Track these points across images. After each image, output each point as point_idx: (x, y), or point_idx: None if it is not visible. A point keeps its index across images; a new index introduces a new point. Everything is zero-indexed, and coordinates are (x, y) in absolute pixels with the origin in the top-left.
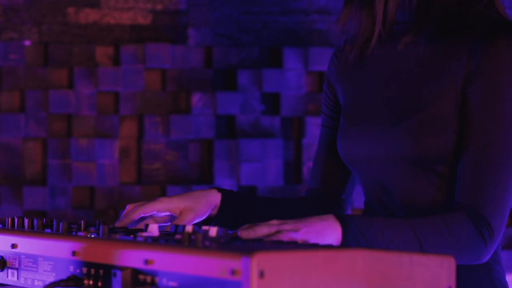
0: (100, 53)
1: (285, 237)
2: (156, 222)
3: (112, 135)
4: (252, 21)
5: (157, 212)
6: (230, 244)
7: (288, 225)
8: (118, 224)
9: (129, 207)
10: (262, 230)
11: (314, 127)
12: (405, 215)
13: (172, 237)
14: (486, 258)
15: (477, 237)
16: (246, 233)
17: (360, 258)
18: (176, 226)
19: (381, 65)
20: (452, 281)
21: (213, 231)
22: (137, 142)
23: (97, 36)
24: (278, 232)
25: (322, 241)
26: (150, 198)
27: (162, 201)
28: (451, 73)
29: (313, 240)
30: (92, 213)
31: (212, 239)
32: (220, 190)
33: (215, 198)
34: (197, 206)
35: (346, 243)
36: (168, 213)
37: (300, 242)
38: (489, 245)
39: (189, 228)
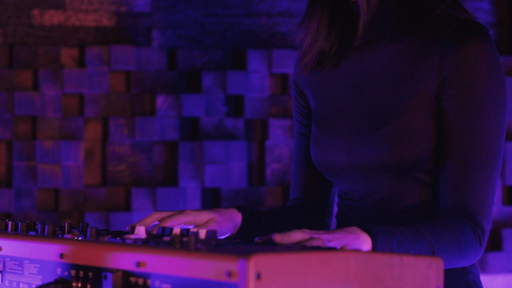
0: (65, 55)
1: (316, 244)
2: None
3: (77, 137)
4: (216, 23)
5: (184, 224)
6: (223, 247)
7: (318, 235)
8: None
9: (153, 214)
10: (296, 236)
11: (277, 129)
12: (382, 220)
13: (161, 239)
14: (478, 258)
15: (476, 240)
16: (281, 238)
17: (352, 259)
18: (163, 228)
19: (351, 71)
20: (440, 282)
21: (202, 233)
22: (101, 144)
23: (62, 38)
24: (311, 239)
25: None
26: (114, 200)
27: (189, 213)
28: (424, 80)
29: None
30: (57, 215)
31: (203, 241)
32: (240, 210)
33: (237, 219)
34: (221, 219)
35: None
36: (192, 226)
37: None
38: (483, 246)
39: (177, 231)
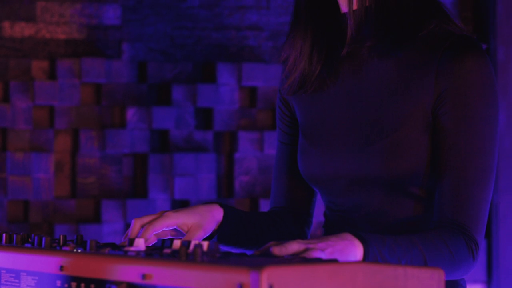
0: (36, 67)
1: (312, 255)
2: (158, 236)
3: (47, 149)
4: (186, 36)
5: (167, 227)
6: (229, 259)
7: (313, 245)
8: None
9: (135, 223)
10: (293, 247)
11: (246, 142)
12: (374, 232)
13: (162, 251)
14: (470, 272)
15: (468, 253)
16: (279, 250)
17: (360, 271)
18: (163, 240)
19: (342, 83)
20: None
21: (204, 245)
22: (71, 156)
23: (32, 50)
24: (306, 249)
25: (346, 259)
26: (84, 212)
27: (170, 216)
28: (420, 94)
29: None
30: (27, 227)
31: (208, 254)
32: (221, 205)
33: (219, 214)
34: (204, 223)
35: (367, 260)
36: (172, 228)
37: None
38: (476, 260)
39: (177, 243)
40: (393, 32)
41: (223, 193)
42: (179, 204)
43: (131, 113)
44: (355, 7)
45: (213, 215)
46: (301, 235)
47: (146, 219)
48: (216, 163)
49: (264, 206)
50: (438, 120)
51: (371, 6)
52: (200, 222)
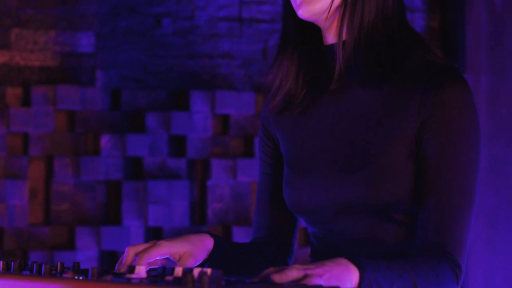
0: (10, 94)
1: (312, 281)
2: (149, 264)
3: (22, 176)
4: (159, 64)
5: (160, 256)
6: (236, 286)
7: (311, 271)
8: (122, 269)
9: (129, 251)
10: (293, 274)
11: (219, 169)
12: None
13: (163, 279)
14: None
15: (453, 278)
16: (279, 277)
17: None
18: (164, 267)
19: (326, 111)
20: None
21: (208, 272)
22: (45, 183)
23: (6, 77)
24: (305, 276)
25: (343, 284)
26: (58, 239)
27: (163, 245)
28: (404, 123)
29: (334, 284)
30: (1, 254)
31: (213, 281)
32: (212, 235)
33: (209, 243)
34: (196, 251)
35: (363, 285)
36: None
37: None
38: (459, 284)
39: (179, 270)
40: (381, 64)
41: (196, 220)
42: (153, 231)
43: (105, 140)
44: (344, 37)
45: (204, 244)
46: (284, 265)
47: (140, 247)
48: (189, 190)
49: (237, 233)
50: (422, 147)
51: (360, 40)
52: (192, 250)
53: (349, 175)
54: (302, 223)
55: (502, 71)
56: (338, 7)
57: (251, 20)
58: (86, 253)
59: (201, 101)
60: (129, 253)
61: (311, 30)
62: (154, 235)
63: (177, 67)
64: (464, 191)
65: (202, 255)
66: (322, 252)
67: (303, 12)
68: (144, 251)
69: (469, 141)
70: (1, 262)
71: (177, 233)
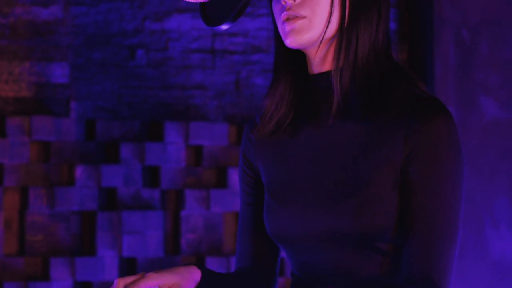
0: None
1: None
2: None
3: None
4: (133, 95)
5: None
6: None
7: None
8: None
9: (119, 283)
10: None
11: (192, 200)
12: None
13: None
14: None
15: None
16: None
17: None
18: None
19: (310, 140)
20: None
21: None
22: (20, 213)
23: None
24: None
25: None
26: (32, 270)
27: (152, 277)
28: (389, 154)
29: None
30: None
31: None
32: (199, 267)
33: (197, 274)
34: (184, 283)
35: None
36: None
37: None
38: None
39: None
40: (371, 97)
41: (170, 251)
42: (127, 262)
43: (79, 171)
44: (341, 63)
45: (192, 276)
46: None
47: (129, 279)
48: (163, 221)
49: (210, 263)
50: (408, 178)
51: (355, 73)
52: (180, 282)
53: (333, 205)
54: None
55: (470, 102)
56: (331, 38)
57: (223, 52)
58: (61, 284)
59: (175, 132)
60: (119, 285)
61: (301, 57)
62: (129, 265)
63: (150, 98)
64: (449, 222)
65: (190, 287)
66: (305, 283)
67: (291, 42)
68: (133, 282)
69: (453, 173)
70: None
71: (151, 264)
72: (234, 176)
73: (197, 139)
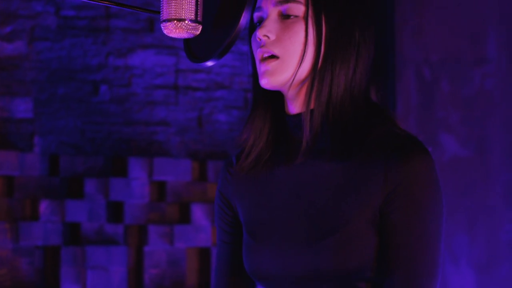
0: None
1: None
2: None
3: None
4: (96, 130)
5: None
6: None
7: None
8: None
9: None
10: None
11: (155, 235)
12: None
13: None
14: None
15: None
16: None
17: None
18: None
19: (289, 180)
20: None
21: None
22: None
23: None
24: None
25: None
26: None
27: None
28: (368, 193)
29: None
30: None
31: None
32: None
33: None
34: None
35: None
36: None
37: None
38: None
39: None
40: (347, 139)
41: (133, 286)
42: None
43: (44, 206)
44: (312, 105)
45: None
46: None
47: None
48: (126, 256)
49: None
50: (388, 217)
51: (328, 114)
52: None
53: (312, 244)
54: None
55: (431, 139)
56: (305, 78)
57: (186, 88)
58: None
59: (139, 167)
60: None
61: (278, 96)
62: None
63: (114, 133)
64: (428, 262)
65: None
66: None
67: (265, 83)
68: None
69: (433, 212)
70: None
71: None
72: (197, 212)
73: (161, 175)
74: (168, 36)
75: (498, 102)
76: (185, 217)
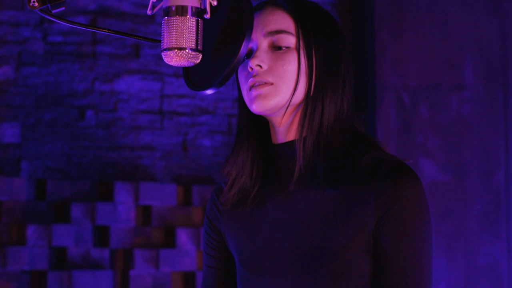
0: None
1: None
2: None
3: None
4: (82, 155)
5: None
6: None
7: None
8: None
9: None
10: None
11: (141, 259)
12: None
13: None
14: None
15: None
16: None
17: None
18: None
19: (280, 210)
20: None
21: None
22: None
23: None
24: None
25: None
26: None
27: None
28: (360, 220)
29: None
30: None
31: None
32: None
33: None
34: None
35: None
36: None
37: None
38: None
39: None
40: (337, 168)
41: None
42: None
43: (30, 231)
44: (305, 132)
45: None
46: None
47: None
48: (112, 280)
49: None
50: (379, 242)
51: (320, 142)
52: None
53: (308, 274)
54: None
55: (411, 165)
56: (298, 106)
57: (171, 113)
58: None
59: (125, 192)
60: None
61: (264, 126)
62: None
63: (99, 158)
64: (422, 281)
65: None
66: None
67: (257, 107)
68: None
69: (423, 234)
70: None
71: None
72: (182, 236)
73: (147, 199)
74: (154, 62)
75: (475, 128)
76: (170, 241)
